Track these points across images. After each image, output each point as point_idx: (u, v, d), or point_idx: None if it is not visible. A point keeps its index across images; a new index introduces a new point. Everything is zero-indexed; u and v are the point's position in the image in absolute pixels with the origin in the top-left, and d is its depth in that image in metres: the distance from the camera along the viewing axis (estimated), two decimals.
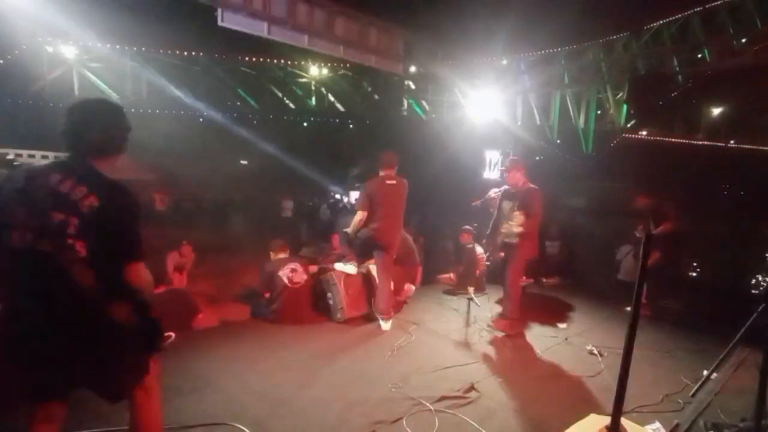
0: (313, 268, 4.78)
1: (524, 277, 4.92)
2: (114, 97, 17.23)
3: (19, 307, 1.50)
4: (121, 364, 1.61)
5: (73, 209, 1.49)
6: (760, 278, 5.40)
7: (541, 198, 4.13)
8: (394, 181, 4.29)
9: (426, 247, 6.33)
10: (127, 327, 1.57)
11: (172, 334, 3.40)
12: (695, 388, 3.06)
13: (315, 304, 4.54)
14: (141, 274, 1.60)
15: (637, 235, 3.63)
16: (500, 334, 4.13)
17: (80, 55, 16.70)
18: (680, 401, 2.96)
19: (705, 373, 3.12)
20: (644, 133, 17.28)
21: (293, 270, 4.38)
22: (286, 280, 4.29)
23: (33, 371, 1.53)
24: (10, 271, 1.52)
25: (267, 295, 4.36)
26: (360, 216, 4.21)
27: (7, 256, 1.49)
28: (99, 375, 1.58)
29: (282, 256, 4.59)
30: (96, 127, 1.61)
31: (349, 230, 4.34)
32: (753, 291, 5.40)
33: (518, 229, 4.12)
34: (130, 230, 1.59)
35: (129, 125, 1.71)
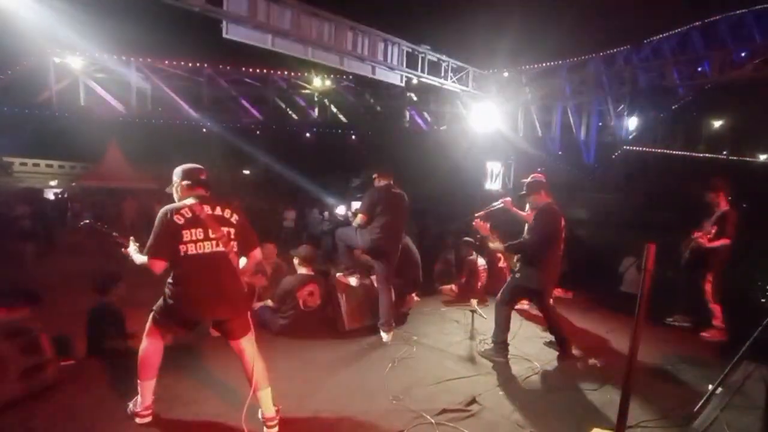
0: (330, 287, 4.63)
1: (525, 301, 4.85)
2: (119, 107, 17.42)
3: (199, 281, 2.32)
4: (245, 309, 2.51)
5: (229, 224, 2.41)
6: (765, 289, 5.36)
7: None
8: (399, 191, 4.29)
9: (428, 258, 6.30)
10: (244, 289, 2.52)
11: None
12: (700, 403, 3.01)
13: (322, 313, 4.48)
14: (258, 256, 2.59)
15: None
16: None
17: (86, 66, 16.93)
18: (685, 416, 2.91)
19: (710, 387, 3.07)
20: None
21: (311, 293, 4.29)
22: (300, 303, 4.22)
23: (199, 313, 2.41)
24: (193, 267, 2.30)
25: (277, 306, 4.27)
26: (360, 219, 4.16)
27: (191, 259, 2.29)
28: (234, 314, 2.43)
29: (304, 271, 4.41)
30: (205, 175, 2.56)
31: (354, 223, 4.27)
32: (762, 300, 5.35)
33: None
34: (252, 229, 2.53)
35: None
